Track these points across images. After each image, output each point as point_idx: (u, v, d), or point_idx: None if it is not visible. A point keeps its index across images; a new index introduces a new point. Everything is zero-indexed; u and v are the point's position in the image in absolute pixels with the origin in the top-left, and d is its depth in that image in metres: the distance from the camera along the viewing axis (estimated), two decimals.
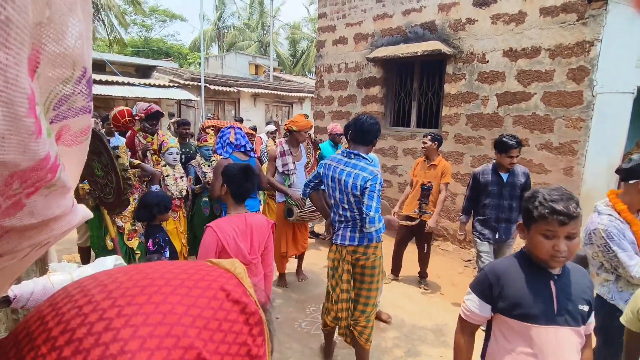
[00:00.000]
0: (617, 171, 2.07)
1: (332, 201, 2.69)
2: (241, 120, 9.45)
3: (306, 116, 4.17)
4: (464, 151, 5.51)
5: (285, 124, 4.07)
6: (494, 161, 3.62)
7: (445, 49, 5.32)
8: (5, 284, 0.56)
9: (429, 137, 4.22)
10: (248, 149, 3.75)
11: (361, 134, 2.62)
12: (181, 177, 4.19)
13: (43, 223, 0.37)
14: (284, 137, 4.15)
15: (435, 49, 5.30)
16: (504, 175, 3.54)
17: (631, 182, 1.94)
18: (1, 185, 0.28)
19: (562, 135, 4.67)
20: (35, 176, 0.31)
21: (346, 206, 2.57)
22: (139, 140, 4.04)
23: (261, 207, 4.95)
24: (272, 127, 6.20)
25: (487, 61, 5.17)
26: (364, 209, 2.44)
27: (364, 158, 2.57)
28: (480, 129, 5.33)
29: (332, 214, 2.78)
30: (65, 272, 1.04)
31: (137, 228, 3.74)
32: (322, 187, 2.89)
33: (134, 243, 3.72)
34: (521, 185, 3.52)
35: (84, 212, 0.53)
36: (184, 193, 4.13)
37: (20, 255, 0.45)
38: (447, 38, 5.48)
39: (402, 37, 5.99)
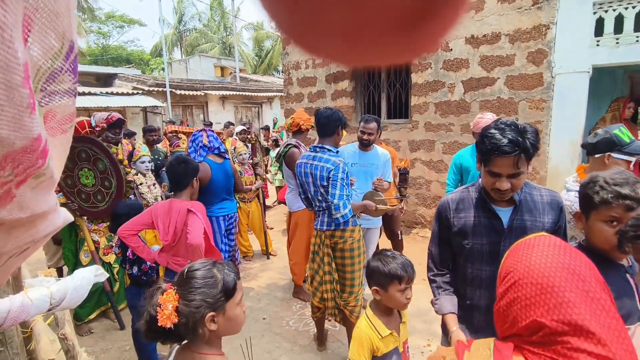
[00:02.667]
0: (583, 146, 2.11)
1: (309, 195, 2.86)
2: (210, 125, 9.27)
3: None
4: (435, 139, 5.63)
5: (298, 122, 3.84)
6: (479, 180, 1.65)
7: None
8: None
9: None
10: (222, 150, 3.68)
11: (320, 126, 2.79)
12: (154, 184, 4.08)
13: (30, 220, 0.35)
14: (290, 137, 3.94)
15: None
16: (503, 213, 1.58)
17: (597, 156, 2.01)
18: None
19: (526, 117, 4.85)
20: (27, 160, 0.29)
21: (320, 197, 2.75)
22: None
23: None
24: (240, 127, 6.10)
25: (451, 49, 5.29)
26: (328, 197, 2.61)
27: (328, 150, 2.74)
28: (449, 116, 5.46)
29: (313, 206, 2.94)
30: (42, 287, 0.99)
31: (113, 244, 3.62)
32: None
33: (110, 258, 3.61)
34: (547, 231, 1.56)
35: (66, 215, 0.50)
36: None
37: (1, 262, 0.42)
38: None
39: None
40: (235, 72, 18.95)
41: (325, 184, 2.63)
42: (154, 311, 1.07)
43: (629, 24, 4.20)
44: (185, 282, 1.13)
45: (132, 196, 3.71)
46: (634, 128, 4.36)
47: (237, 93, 14.40)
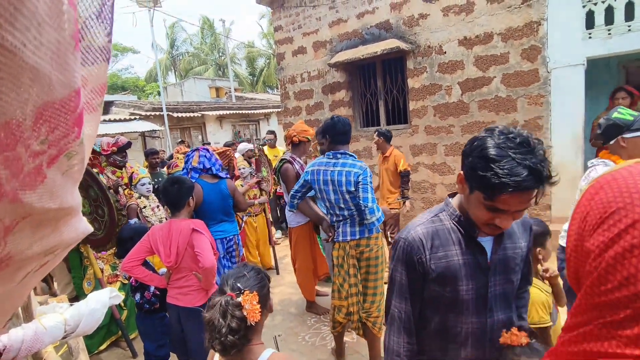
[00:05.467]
0: (595, 140, 2.18)
1: (327, 204, 2.77)
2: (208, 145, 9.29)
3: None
4: (436, 142, 5.62)
5: (293, 135, 3.68)
6: (449, 201, 1.28)
7: (403, 45, 5.44)
8: None
9: (376, 133, 4.62)
10: (214, 171, 3.52)
11: (341, 134, 2.74)
12: (157, 206, 4.04)
13: (58, 215, 0.31)
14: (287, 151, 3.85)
15: (393, 46, 5.41)
16: (486, 244, 1.23)
17: (611, 143, 2.05)
18: (29, 126, 0.22)
19: (526, 113, 4.85)
20: (63, 124, 0.25)
21: (342, 205, 2.67)
22: (108, 177, 3.86)
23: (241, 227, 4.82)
24: (249, 146, 6.02)
25: (445, 52, 5.32)
26: (361, 202, 2.54)
27: (351, 155, 2.70)
28: (448, 118, 5.45)
29: (328, 216, 2.86)
30: (55, 314, 0.94)
31: (118, 272, 3.56)
32: (308, 194, 2.98)
33: (114, 286, 3.54)
34: (522, 259, 1.30)
35: (86, 224, 0.47)
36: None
37: (21, 275, 0.38)
38: (403, 35, 5.62)
39: (360, 40, 6.09)
40: (230, 92, 19.09)
41: (353, 189, 2.57)
42: (239, 312, 1.21)
43: (619, 14, 4.23)
44: (251, 280, 1.32)
45: (135, 220, 3.66)
46: None
47: (234, 112, 14.47)
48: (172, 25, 26.71)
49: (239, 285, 1.29)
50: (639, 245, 0.43)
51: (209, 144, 9.97)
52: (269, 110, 16.04)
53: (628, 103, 4.18)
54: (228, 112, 14.20)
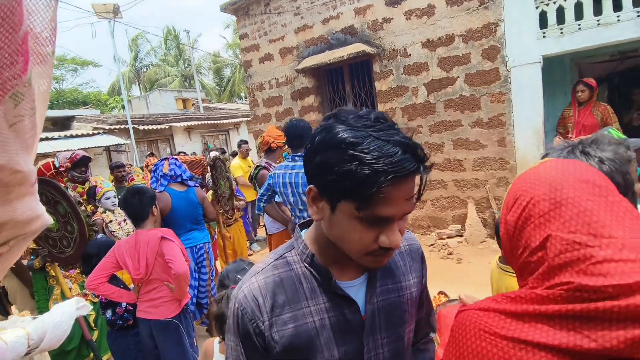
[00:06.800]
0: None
1: (289, 206, 2.78)
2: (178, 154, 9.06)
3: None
4: None
5: (268, 140, 3.66)
6: (300, 234, 0.89)
7: (368, 49, 5.54)
8: None
9: None
10: (184, 178, 3.55)
11: (296, 137, 2.77)
12: (124, 220, 3.89)
13: (6, 181, 0.28)
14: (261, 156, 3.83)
15: (359, 50, 5.50)
16: (354, 290, 0.84)
17: None
18: None
19: (489, 111, 5.03)
20: (6, 47, 0.22)
21: (301, 207, 2.68)
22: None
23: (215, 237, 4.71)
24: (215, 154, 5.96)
25: (409, 54, 5.45)
26: None
27: None
28: (416, 119, 5.57)
29: (293, 218, 2.86)
30: (17, 328, 0.88)
31: (87, 291, 3.40)
32: (273, 198, 2.98)
33: None
34: (414, 302, 0.94)
35: (43, 211, 0.43)
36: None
37: None
38: (369, 39, 5.72)
39: (326, 45, 6.15)
40: (197, 103, 18.80)
41: None
42: None
43: (569, 14, 4.48)
44: None
45: (101, 235, 3.50)
46: (600, 107, 4.49)
47: (203, 122, 14.25)
48: (135, 37, 26.10)
49: (239, 277, 1.37)
50: (529, 217, 0.61)
51: (180, 153, 9.73)
52: (238, 120, 15.90)
53: (587, 95, 4.42)
54: (196, 122, 13.97)
